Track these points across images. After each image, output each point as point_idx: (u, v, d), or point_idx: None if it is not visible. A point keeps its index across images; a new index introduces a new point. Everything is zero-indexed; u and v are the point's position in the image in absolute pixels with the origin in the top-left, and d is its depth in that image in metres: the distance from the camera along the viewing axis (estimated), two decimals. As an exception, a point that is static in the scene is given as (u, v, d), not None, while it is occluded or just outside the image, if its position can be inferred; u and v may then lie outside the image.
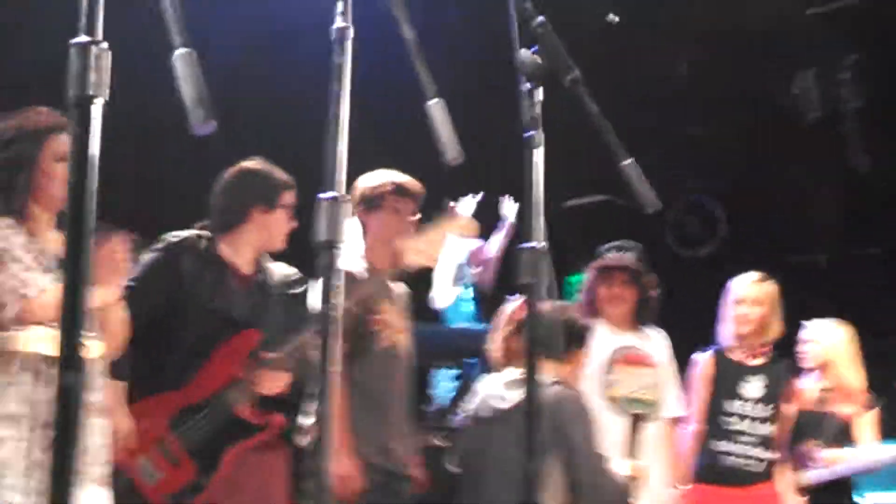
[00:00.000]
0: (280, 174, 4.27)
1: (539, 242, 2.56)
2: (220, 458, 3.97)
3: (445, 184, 4.37)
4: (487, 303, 7.30)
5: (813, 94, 8.75)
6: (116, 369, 3.87)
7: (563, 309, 4.73)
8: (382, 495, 4.27)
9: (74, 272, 1.70)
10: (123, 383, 3.88)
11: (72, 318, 1.69)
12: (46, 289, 3.31)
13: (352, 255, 4.34)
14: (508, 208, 7.84)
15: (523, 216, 2.55)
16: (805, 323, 5.97)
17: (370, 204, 4.47)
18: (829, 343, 5.87)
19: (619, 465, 4.65)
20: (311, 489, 2.04)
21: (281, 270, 4.35)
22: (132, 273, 3.91)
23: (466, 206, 7.59)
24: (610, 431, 5.07)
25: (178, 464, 3.93)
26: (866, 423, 5.82)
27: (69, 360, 1.68)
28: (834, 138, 8.86)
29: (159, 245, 4.11)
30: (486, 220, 7.57)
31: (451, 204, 4.11)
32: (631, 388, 5.24)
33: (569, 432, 4.17)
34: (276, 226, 4.23)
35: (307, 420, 2.48)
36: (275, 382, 4.03)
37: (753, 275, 5.70)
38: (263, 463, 4.12)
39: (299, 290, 4.23)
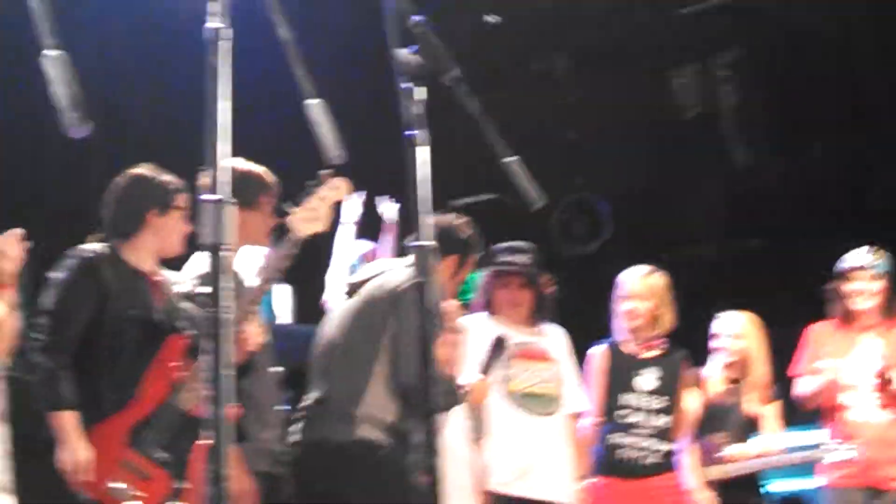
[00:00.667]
0: (170, 177, 4.23)
1: (427, 241, 2.55)
2: (188, 458, 3.95)
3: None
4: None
5: (692, 90, 8.89)
6: (64, 399, 3.85)
7: (449, 217, 4.75)
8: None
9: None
10: (74, 412, 3.84)
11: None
12: None
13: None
14: (387, 209, 7.76)
15: (409, 215, 2.53)
16: (719, 315, 6.06)
17: (244, 202, 4.36)
18: (749, 337, 5.97)
19: (466, 375, 4.65)
20: (212, 495, 2.02)
21: (176, 275, 4.31)
22: (54, 294, 3.94)
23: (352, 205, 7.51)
24: (509, 425, 5.11)
25: (150, 477, 3.91)
26: (771, 415, 5.93)
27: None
28: (714, 134, 9.02)
29: (74, 261, 4.05)
30: (376, 221, 7.52)
31: (323, 173, 4.04)
32: (530, 382, 5.27)
33: (408, 314, 4.17)
34: (172, 229, 4.19)
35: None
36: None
37: (640, 269, 5.74)
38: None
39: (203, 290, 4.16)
